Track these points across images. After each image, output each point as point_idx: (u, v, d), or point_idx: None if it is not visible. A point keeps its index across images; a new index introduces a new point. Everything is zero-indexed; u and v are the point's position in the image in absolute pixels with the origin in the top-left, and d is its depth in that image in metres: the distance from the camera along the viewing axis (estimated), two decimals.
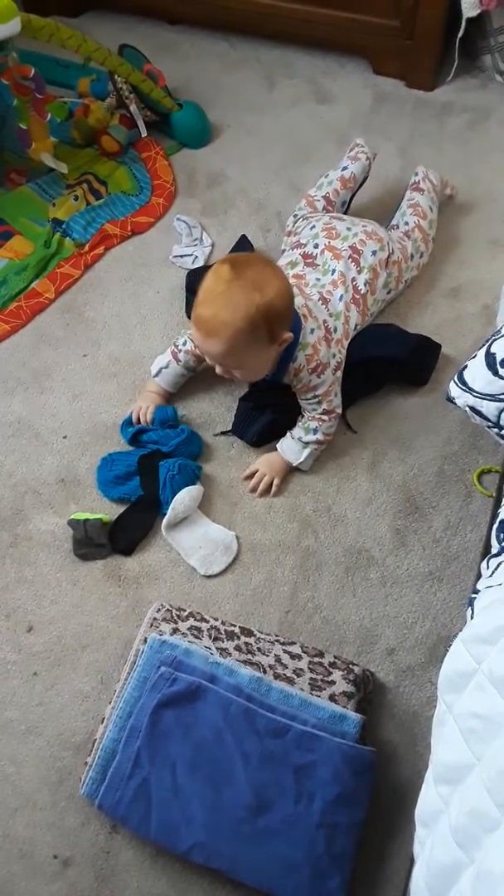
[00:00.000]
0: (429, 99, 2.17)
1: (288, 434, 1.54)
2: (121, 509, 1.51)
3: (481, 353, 1.18)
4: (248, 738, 1.20)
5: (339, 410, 1.55)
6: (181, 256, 1.86)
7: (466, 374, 1.20)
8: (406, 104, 2.16)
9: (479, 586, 1.06)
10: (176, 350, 1.60)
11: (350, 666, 1.31)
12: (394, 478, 1.55)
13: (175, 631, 1.33)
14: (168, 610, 1.36)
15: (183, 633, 1.33)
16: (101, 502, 1.52)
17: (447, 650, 0.96)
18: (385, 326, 1.69)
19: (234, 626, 1.35)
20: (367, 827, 1.20)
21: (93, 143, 2.03)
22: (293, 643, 1.33)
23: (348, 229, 1.67)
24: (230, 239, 1.87)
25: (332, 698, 1.27)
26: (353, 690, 1.27)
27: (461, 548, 1.47)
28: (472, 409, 1.21)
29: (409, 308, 1.76)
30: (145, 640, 1.31)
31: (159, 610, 1.36)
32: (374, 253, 1.64)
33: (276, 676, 1.29)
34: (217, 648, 1.32)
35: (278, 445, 1.55)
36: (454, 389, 1.23)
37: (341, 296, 1.59)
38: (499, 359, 1.14)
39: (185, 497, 1.48)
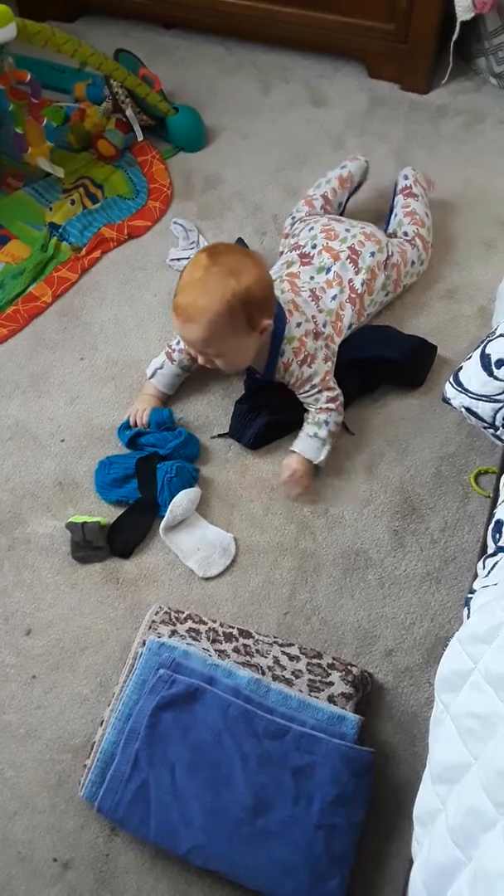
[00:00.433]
0: (423, 102, 2.18)
1: (301, 435, 1.52)
2: (119, 512, 1.51)
3: (476, 355, 1.18)
4: (246, 740, 1.20)
5: (342, 398, 1.54)
6: (178, 260, 1.86)
7: (462, 376, 1.21)
8: (401, 107, 2.17)
9: (475, 586, 1.07)
10: (170, 350, 1.60)
11: (348, 667, 1.31)
12: (391, 479, 1.55)
13: (173, 633, 1.33)
14: (166, 612, 1.36)
15: (181, 636, 1.33)
16: (98, 505, 1.53)
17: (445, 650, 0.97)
18: (381, 328, 1.69)
19: (233, 627, 1.35)
20: (367, 828, 1.20)
21: (89, 148, 2.04)
22: (291, 644, 1.34)
23: (347, 231, 1.67)
24: (226, 242, 1.88)
25: (330, 699, 1.27)
26: (351, 691, 1.28)
27: (459, 548, 1.47)
28: (468, 410, 1.21)
29: (405, 310, 1.77)
30: (144, 643, 1.31)
31: (157, 612, 1.36)
32: (372, 254, 1.64)
33: (275, 678, 1.29)
34: (215, 650, 1.32)
35: (295, 448, 1.51)
36: (450, 391, 1.23)
37: (335, 295, 1.59)
38: (494, 360, 1.15)
39: (183, 499, 1.49)
